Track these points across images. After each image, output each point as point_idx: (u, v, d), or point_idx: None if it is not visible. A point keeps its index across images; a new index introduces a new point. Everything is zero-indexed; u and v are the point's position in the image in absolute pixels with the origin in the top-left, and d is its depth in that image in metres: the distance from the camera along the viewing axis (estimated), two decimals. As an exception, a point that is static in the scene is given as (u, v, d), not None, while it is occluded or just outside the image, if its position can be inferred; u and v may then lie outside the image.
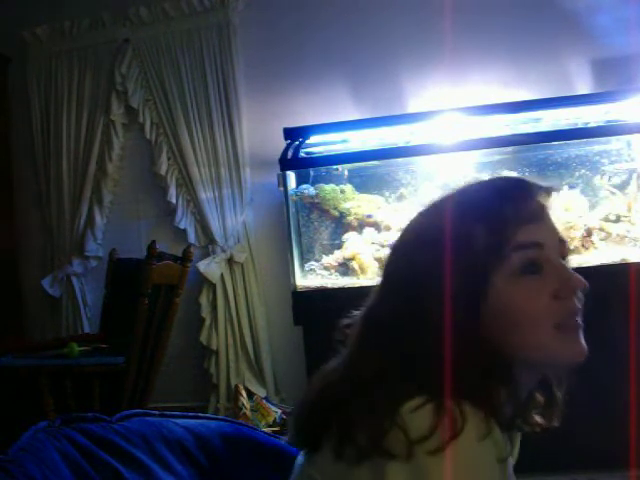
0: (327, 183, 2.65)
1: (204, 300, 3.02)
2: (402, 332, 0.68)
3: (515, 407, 0.68)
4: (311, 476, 0.70)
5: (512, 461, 0.79)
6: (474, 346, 0.64)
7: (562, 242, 0.71)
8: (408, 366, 0.66)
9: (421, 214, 0.74)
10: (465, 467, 0.57)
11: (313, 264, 2.60)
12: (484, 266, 0.66)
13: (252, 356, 3.00)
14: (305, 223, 2.66)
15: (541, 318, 0.67)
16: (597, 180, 2.44)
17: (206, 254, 3.05)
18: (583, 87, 2.74)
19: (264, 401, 2.74)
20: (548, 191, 0.71)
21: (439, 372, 0.63)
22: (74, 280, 3.16)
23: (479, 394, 0.61)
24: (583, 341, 0.69)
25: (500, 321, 0.67)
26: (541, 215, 0.69)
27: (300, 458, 0.76)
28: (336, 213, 2.63)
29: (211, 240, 3.03)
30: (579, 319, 0.69)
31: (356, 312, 0.77)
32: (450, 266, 0.66)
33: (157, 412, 0.93)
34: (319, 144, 2.69)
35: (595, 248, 2.30)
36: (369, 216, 2.57)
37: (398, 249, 0.75)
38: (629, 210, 2.38)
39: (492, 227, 0.67)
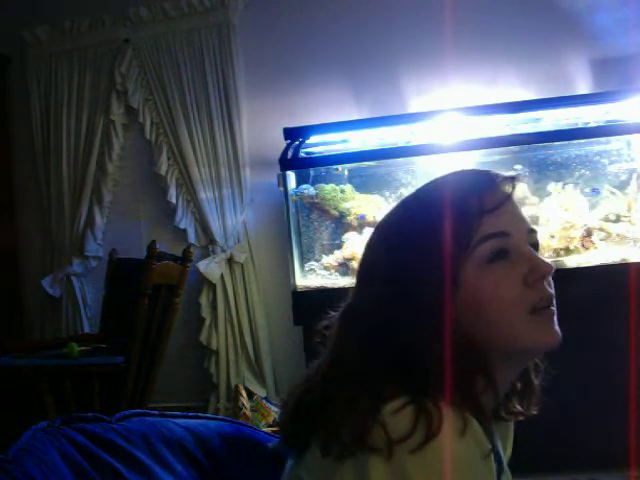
0: (327, 183, 2.65)
1: (204, 300, 3.02)
2: (378, 330, 0.68)
3: (495, 399, 0.68)
4: (299, 476, 0.70)
5: (505, 455, 0.80)
6: (449, 342, 0.65)
7: (532, 231, 0.72)
8: (387, 364, 0.66)
9: (392, 213, 0.76)
10: (445, 465, 0.57)
11: (313, 264, 2.60)
12: (453, 260, 0.66)
13: (252, 356, 3.00)
14: (305, 223, 2.66)
15: (512, 305, 0.67)
16: (551, 187, 2.43)
17: (206, 254, 3.05)
18: (583, 87, 2.74)
19: (264, 401, 2.74)
20: (512, 181, 0.72)
21: (415, 369, 0.64)
22: (74, 280, 3.16)
23: (456, 391, 0.62)
24: (557, 327, 0.69)
25: (473, 314, 0.67)
26: (505, 204, 0.70)
27: (290, 461, 0.77)
28: (336, 213, 2.63)
29: (211, 240, 3.03)
30: (552, 305, 0.69)
31: (333, 313, 0.78)
32: (422, 262, 0.67)
33: (157, 412, 0.93)
34: (319, 144, 2.70)
35: (595, 248, 2.30)
36: (362, 217, 2.57)
37: (370, 249, 0.75)
38: (629, 210, 2.38)
39: (457, 220, 0.67)
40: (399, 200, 0.76)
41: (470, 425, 0.59)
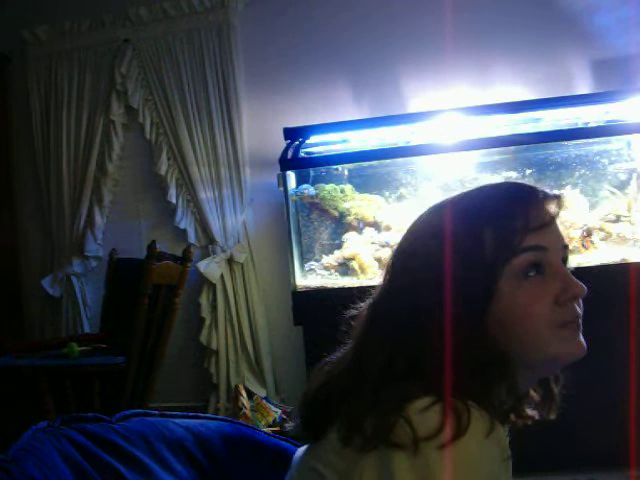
0: (327, 183, 2.65)
1: (204, 300, 3.01)
2: (408, 329, 0.69)
3: (513, 404, 0.69)
4: (313, 468, 0.70)
5: None
6: (479, 347, 0.66)
7: (565, 247, 0.73)
8: (413, 363, 0.67)
9: (431, 213, 0.75)
10: (470, 463, 0.58)
11: (313, 264, 2.60)
12: (492, 270, 0.68)
13: (252, 356, 3.00)
14: (305, 223, 2.66)
15: (542, 321, 0.68)
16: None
17: (206, 254, 3.05)
18: (583, 87, 2.74)
19: (264, 401, 2.73)
20: (558, 199, 0.73)
21: (445, 371, 0.64)
22: (74, 280, 3.16)
23: (483, 393, 0.63)
24: (582, 338, 0.71)
25: (504, 323, 0.68)
26: (549, 223, 0.71)
27: (299, 453, 0.77)
28: (336, 213, 2.63)
29: (211, 240, 3.03)
30: (579, 323, 0.71)
31: (362, 304, 0.78)
32: (460, 269, 0.67)
33: (157, 412, 0.93)
34: (319, 144, 2.69)
35: (595, 248, 2.30)
36: (361, 225, 2.57)
37: (407, 246, 0.75)
38: (629, 210, 2.38)
39: (501, 234, 0.68)
40: (441, 202, 0.76)
41: (496, 428, 0.60)
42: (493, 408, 0.63)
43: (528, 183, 0.75)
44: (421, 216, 0.76)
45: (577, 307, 0.71)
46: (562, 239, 0.73)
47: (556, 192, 0.73)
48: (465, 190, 0.75)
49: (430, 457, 0.58)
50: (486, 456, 0.59)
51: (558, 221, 0.73)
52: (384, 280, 0.76)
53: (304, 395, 0.77)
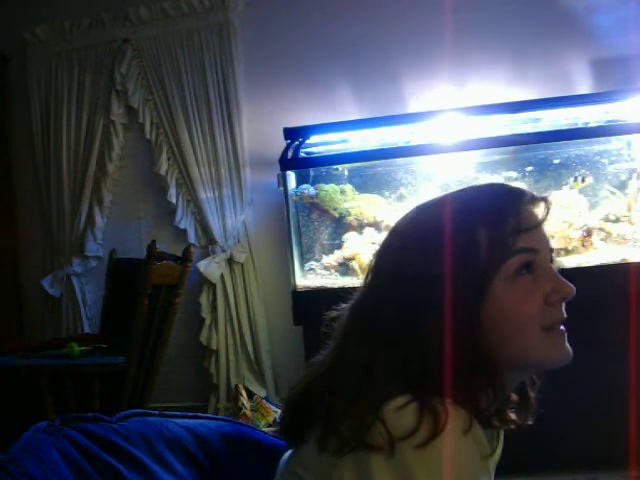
0: (327, 183, 2.65)
1: (204, 300, 3.02)
2: (392, 330, 0.68)
3: (496, 406, 0.69)
4: (294, 472, 0.70)
5: (493, 461, 0.80)
6: (465, 347, 0.66)
7: (551, 250, 0.74)
8: (394, 363, 0.66)
9: (421, 212, 0.75)
10: (448, 462, 0.57)
11: (313, 264, 2.60)
12: (484, 271, 0.67)
13: (252, 356, 3.00)
14: (305, 223, 2.66)
15: (531, 321, 0.68)
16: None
17: (206, 254, 3.05)
18: (583, 87, 2.74)
19: (264, 401, 2.74)
20: (545, 201, 0.74)
21: (426, 370, 0.64)
22: (74, 280, 3.16)
23: (463, 393, 0.63)
24: (568, 345, 0.71)
25: (492, 324, 0.68)
26: (539, 225, 0.72)
27: (284, 457, 0.77)
28: (336, 213, 2.63)
29: (211, 240, 3.03)
30: (564, 327, 0.71)
31: (344, 305, 0.78)
32: (453, 268, 0.67)
33: (157, 412, 0.93)
34: (319, 144, 2.69)
35: (594, 248, 2.30)
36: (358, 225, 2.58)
37: (393, 245, 0.75)
38: (629, 210, 2.38)
39: (496, 234, 0.68)
40: (430, 202, 0.75)
41: (474, 426, 0.60)
42: (476, 409, 0.63)
43: (519, 187, 0.75)
44: (407, 215, 0.76)
45: (563, 310, 0.71)
46: (549, 241, 0.73)
47: (544, 195, 0.74)
48: (454, 191, 0.75)
49: (407, 457, 0.57)
50: (464, 454, 0.59)
51: (544, 224, 0.73)
52: (366, 281, 0.75)
53: (287, 399, 0.76)
